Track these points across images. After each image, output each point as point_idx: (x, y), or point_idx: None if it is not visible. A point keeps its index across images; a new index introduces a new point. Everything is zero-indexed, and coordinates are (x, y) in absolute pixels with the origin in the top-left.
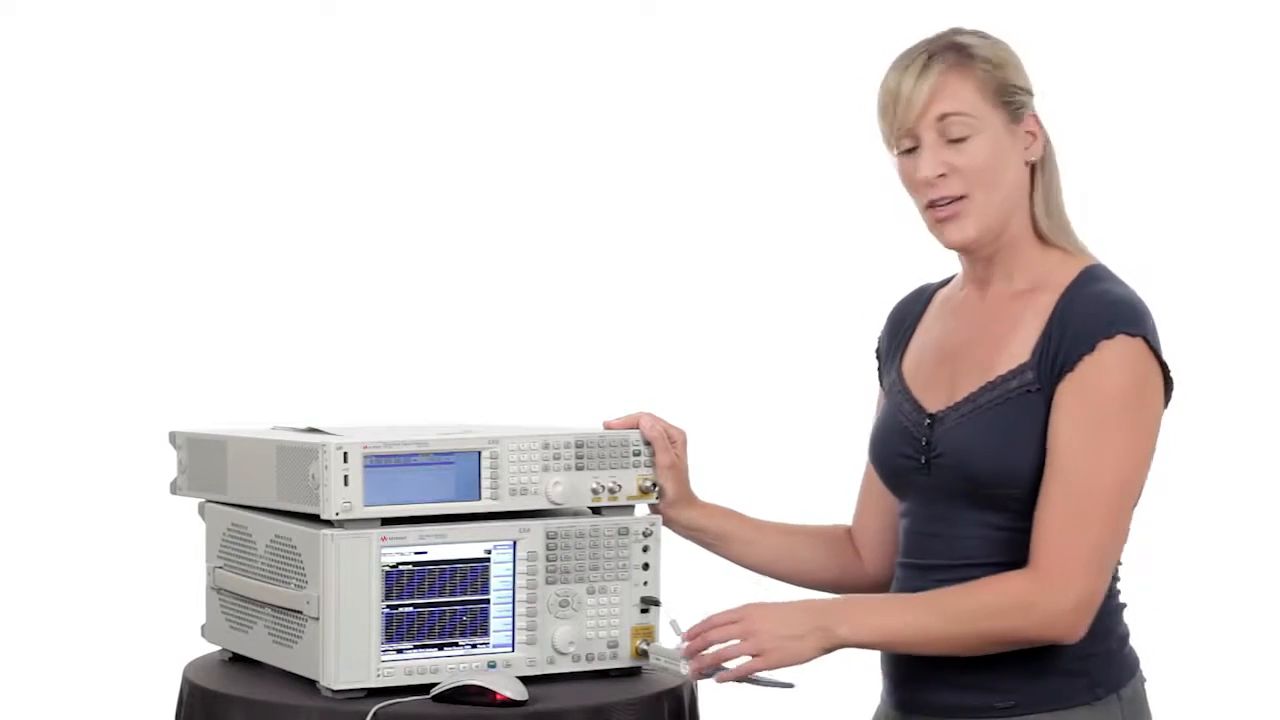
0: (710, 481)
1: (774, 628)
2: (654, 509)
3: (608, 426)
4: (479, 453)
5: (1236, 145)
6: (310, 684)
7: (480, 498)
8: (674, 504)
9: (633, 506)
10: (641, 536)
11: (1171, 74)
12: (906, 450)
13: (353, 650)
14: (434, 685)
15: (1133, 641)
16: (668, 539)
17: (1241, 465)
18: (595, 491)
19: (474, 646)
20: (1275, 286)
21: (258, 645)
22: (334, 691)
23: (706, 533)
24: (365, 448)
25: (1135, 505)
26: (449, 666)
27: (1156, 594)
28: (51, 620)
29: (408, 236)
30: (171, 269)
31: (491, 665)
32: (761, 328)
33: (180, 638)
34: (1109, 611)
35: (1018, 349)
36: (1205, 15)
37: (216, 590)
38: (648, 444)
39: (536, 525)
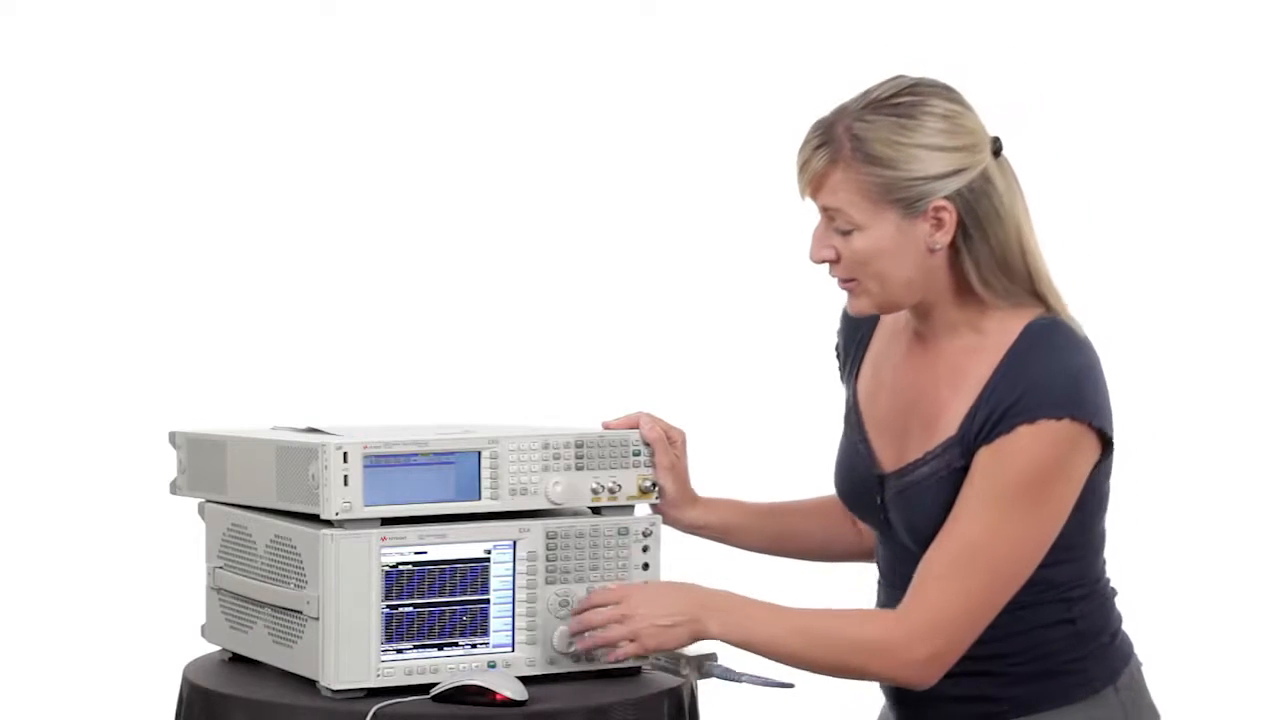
0: (709, 481)
1: (650, 612)
2: (654, 509)
3: (607, 427)
4: (479, 453)
5: (1236, 146)
6: (310, 684)
7: (480, 498)
8: (675, 504)
9: (633, 506)
10: (641, 536)
11: (1171, 74)
12: (864, 499)
13: (353, 650)
14: (434, 685)
15: (1126, 626)
16: (668, 538)
17: (1233, 454)
18: (595, 491)
19: (474, 646)
20: (1267, 286)
21: (258, 645)
22: (334, 691)
23: (710, 529)
24: (365, 448)
25: (1026, 578)
26: (449, 666)
27: (1151, 577)
28: (52, 620)
29: (408, 237)
30: (171, 269)
31: (491, 665)
32: (760, 327)
33: (180, 638)
34: (1095, 610)
35: (951, 419)
36: (1205, 15)
37: (216, 590)
38: (647, 444)
39: (536, 525)
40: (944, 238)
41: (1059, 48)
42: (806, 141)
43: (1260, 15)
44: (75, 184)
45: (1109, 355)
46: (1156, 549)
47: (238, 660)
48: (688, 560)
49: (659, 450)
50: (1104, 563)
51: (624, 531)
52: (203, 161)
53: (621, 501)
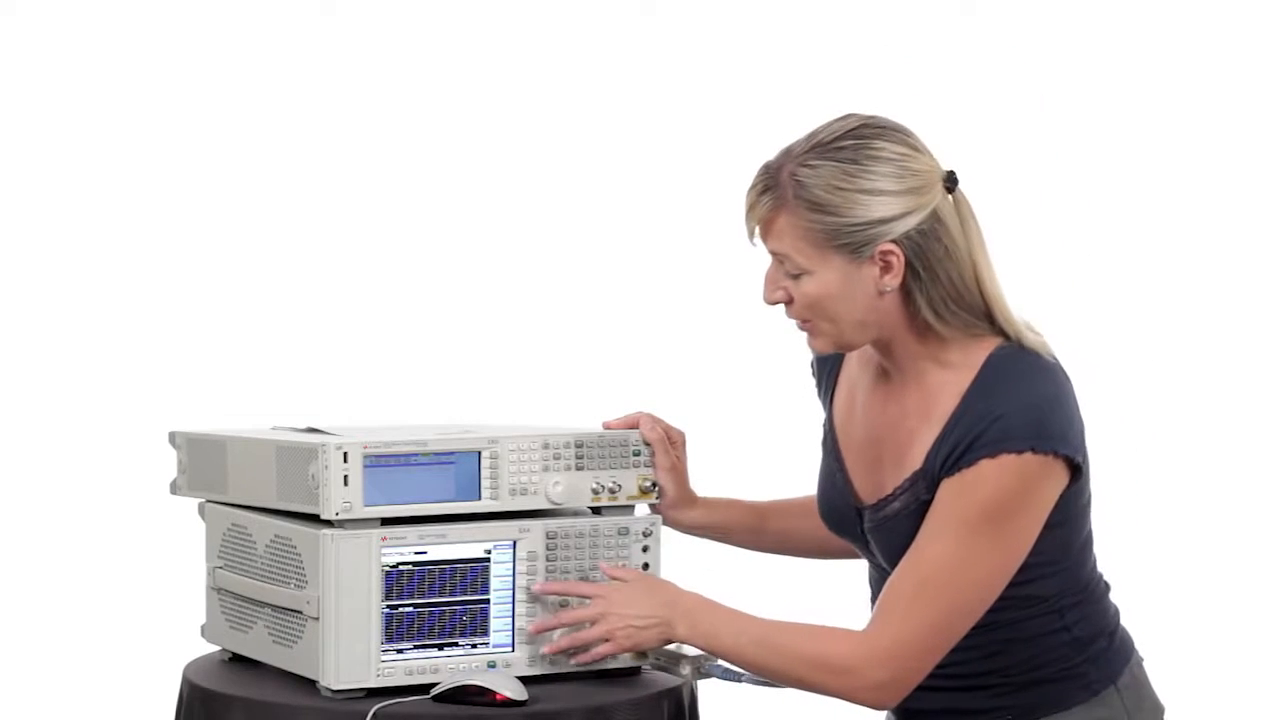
0: (709, 482)
1: (625, 612)
2: (654, 509)
3: (607, 427)
4: (479, 453)
5: (1236, 147)
6: (310, 684)
7: (480, 498)
8: (675, 505)
9: (633, 506)
10: (641, 536)
11: (1171, 74)
12: (846, 529)
13: (353, 650)
14: (434, 685)
15: (1126, 621)
16: (668, 538)
17: (1231, 449)
18: (595, 491)
19: (474, 646)
20: (1266, 284)
21: (258, 645)
22: (334, 691)
23: (710, 529)
24: (365, 448)
25: (988, 605)
26: (449, 666)
27: (1150, 571)
28: (52, 620)
29: (408, 236)
30: (171, 269)
31: (491, 665)
32: (759, 328)
33: (180, 638)
34: (1089, 615)
35: (918, 452)
36: (1205, 15)
37: (216, 590)
38: (647, 444)
39: (536, 525)
40: (893, 281)
41: (1059, 48)
42: (752, 185)
43: (1260, 15)
44: (75, 184)
45: (1107, 353)
46: (1155, 543)
47: (238, 660)
48: (688, 561)
49: (659, 451)
50: (1093, 564)
51: (624, 531)
52: (203, 161)
53: (621, 501)
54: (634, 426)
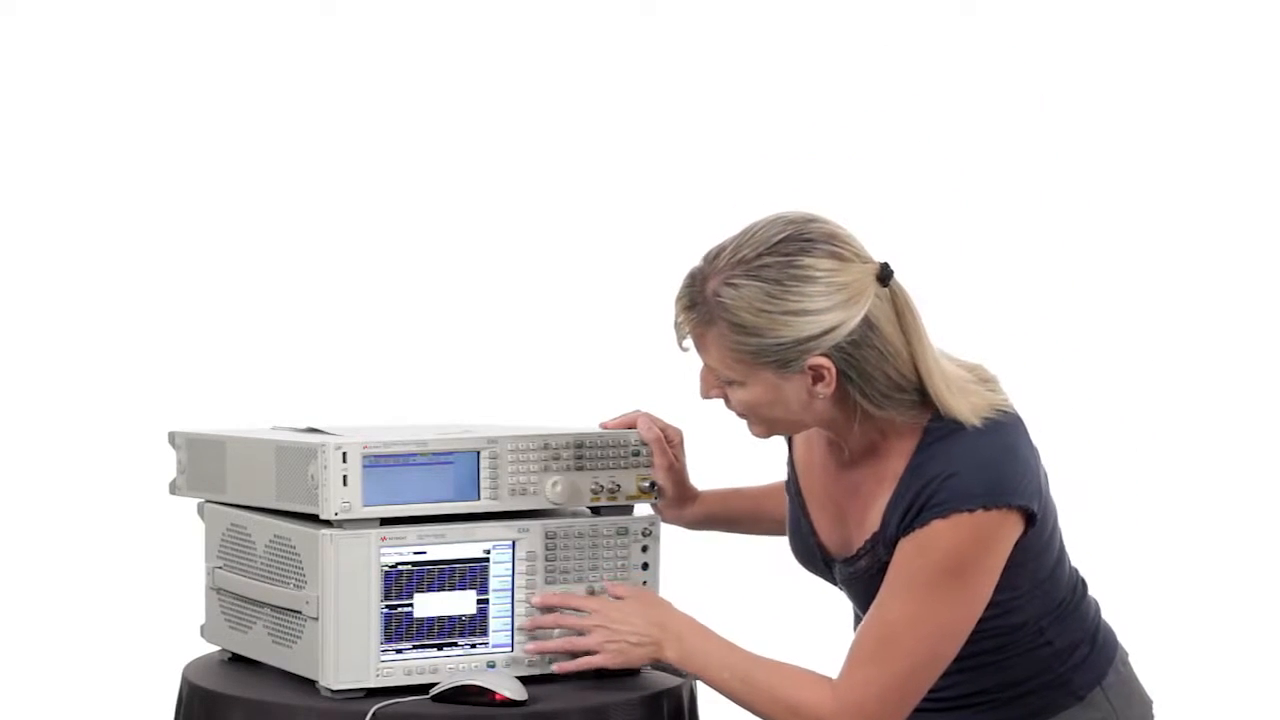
0: (709, 480)
1: (618, 628)
2: (655, 509)
3: (604, 427)
4: (478, 453)
5: (1236, 147)
6: (310, 684)
7: (479, 498)
8: (675, 503)
9: (632, 506)
10: (641, 536)
11: (1171, 74)
12: (818, 571)
13: (352, 650)
14: (433, 685)
15: (1109, 615)
16: (668, 537)
17: (1222, 445)
18: (594, 491)
19: (473, 646)
20: (1265, 284)
21: (257, 645)
22: (333, 691)
23: (713, 522)
24: (365, 448)
25: (954, 654)
26: (448, 666)
27: (1140, 560)
28: (52, 620)
29: (407, 237)
30: (171, 269)
31: (491, 665)
32: None
33: (180, 638)
34: (1069, 625)
35: (874, 515)
36: (1207, 15)
37: (216, 590)
38: (644, 444)
39: (535, 525)
40: (825, 389)
41: (1059, 48)
42: (679, 298)
43: (1260, 15)
44: (75, 184)
45: (1100, 351)
46: (1139, 534)
47: (238, 660)
48: (689, 560)
49: (656, 450)
50: (1068, 573)
51: (623, 531)
52: (203, 161)
53: (621, 501)
54: (631, 426)
